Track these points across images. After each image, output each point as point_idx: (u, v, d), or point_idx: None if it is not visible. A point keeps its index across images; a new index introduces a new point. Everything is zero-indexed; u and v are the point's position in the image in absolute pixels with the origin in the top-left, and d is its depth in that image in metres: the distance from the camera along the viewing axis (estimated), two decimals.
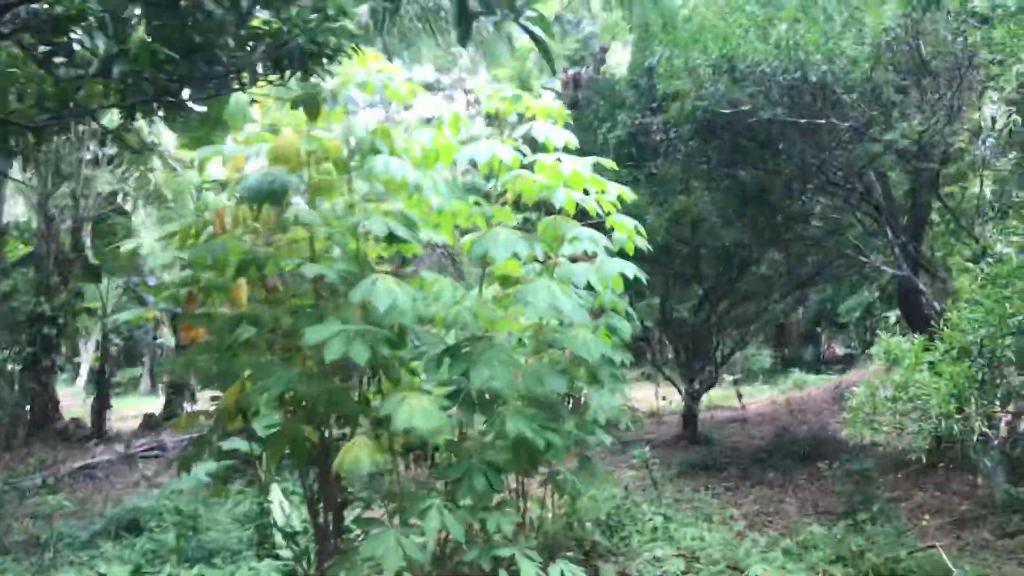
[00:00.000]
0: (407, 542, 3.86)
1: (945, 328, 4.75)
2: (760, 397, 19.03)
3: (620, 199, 5.15)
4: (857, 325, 22.72)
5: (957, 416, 3.95)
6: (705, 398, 14.88)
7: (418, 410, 3.83)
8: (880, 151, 7.88)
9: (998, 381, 4.09)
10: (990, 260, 5.09)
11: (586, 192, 4.97)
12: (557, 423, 4.54)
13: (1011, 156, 8.21)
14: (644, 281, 5.17)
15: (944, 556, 6.08)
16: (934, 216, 10.85)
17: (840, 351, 27.59)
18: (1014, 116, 6.85)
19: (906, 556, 6.43)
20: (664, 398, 15.62)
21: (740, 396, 16.02)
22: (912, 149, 7.60)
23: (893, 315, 16.63)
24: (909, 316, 10.80)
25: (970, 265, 10.63)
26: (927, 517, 8.10)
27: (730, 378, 17.93)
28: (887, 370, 5.93)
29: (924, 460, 4.78)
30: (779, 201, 10.19)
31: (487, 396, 4.22)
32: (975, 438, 3.97)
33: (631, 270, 5.12)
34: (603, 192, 5.10)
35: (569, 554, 5.65)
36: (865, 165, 8.46)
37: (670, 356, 15.00)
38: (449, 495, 4.18)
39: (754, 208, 10.43)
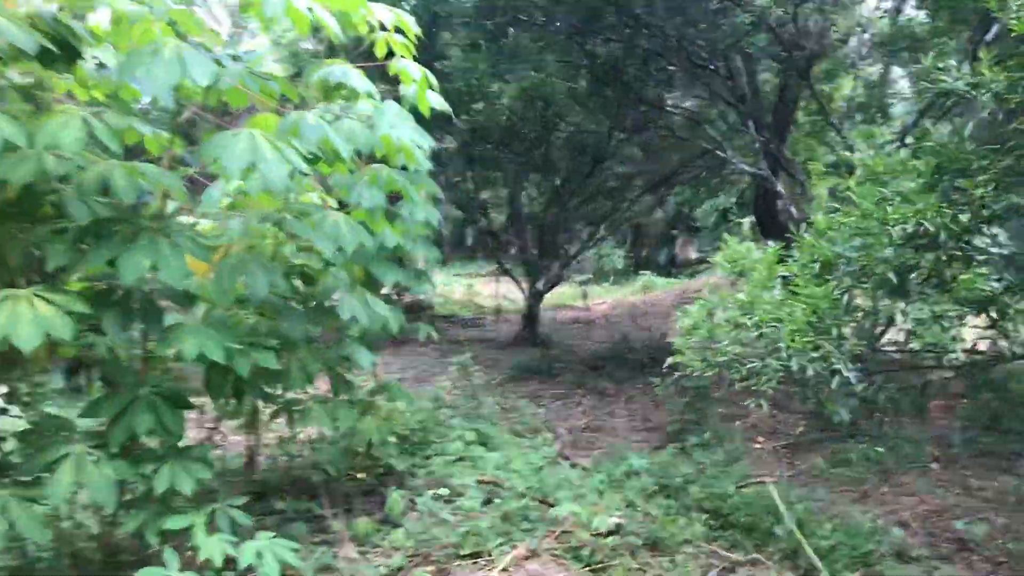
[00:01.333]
0: (20, 510, 2.51)
1: (806, 236, 3.73)
2: (608, 299, 18.49)
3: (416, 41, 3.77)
4: (713, 230, 22.50)
5: (814, 355, 2.98)
6: (552, 296, 14.05)
7: (25, 317, 2.42)
8: (749, 25, 6.77)
9: (870, 306, 3.16)
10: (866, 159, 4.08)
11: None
12: (290, 337, 3.22)
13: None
14: (431, 153, 3.86)
15: (775, 494, 5.34)
16: (799, 115, 10.05)
17: (694, 256, 27.63)
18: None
19: (734, 492, 5.68)
20: (506, 297, 14.67)
21: (585, 297, 15.29)
22: (785, 26, 6.52)
23: (748, 221, 16.22)
24: (764, 223, 10.09)
25: (831, 171, 9.97)
26: (761, 440, 7.49)
27: (579, 277, 17.18)
28: (732, 283, 4.96)
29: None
30: (635, 82, 9.02)
31: (152, 298, 2.84)
32: (834, 384, 3.01)
33: (418, 136, 3.80)
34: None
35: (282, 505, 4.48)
36: (733, 43, 7.36)
37: (514, 251, 13.94)
38: (103, 440, 2.83)
39: (609, 88, 9.23)
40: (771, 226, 10.12)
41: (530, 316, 12.72)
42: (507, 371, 10.37)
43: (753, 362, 3.37)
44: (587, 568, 4.82)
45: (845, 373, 2.92)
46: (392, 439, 6.05)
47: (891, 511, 5.73)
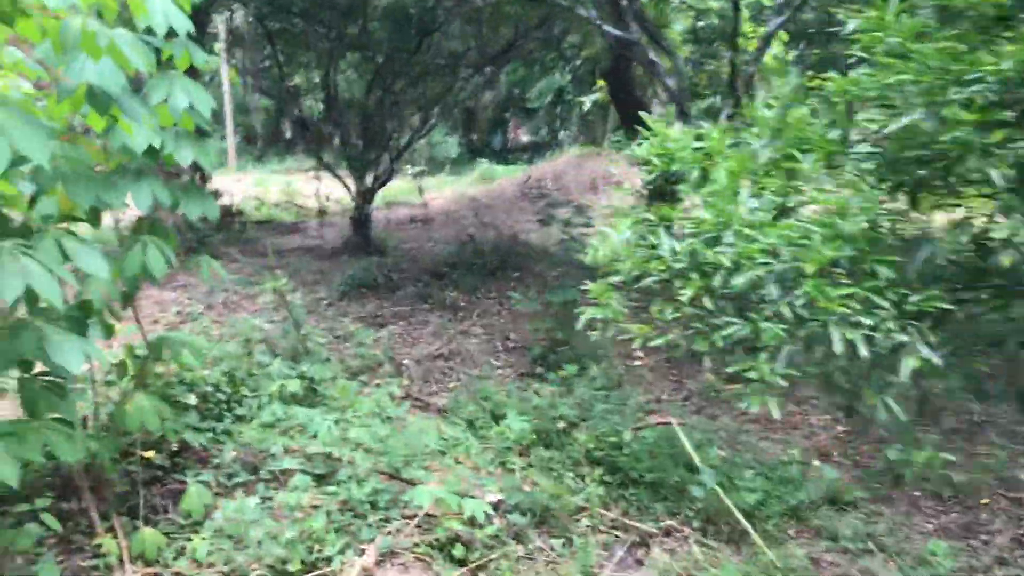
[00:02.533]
0: None
1: (763, 111, 2.48)
2: (446, 191, 17.04)
3: None
4: (548, 111, 21.31)
5: (865, 320, 1.80)
6: (383, 193, 12.44)
7: None
8: None
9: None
10: None
11: None
12: None
13: None
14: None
15: (685, 441, 4.31)
16: None
17: (526, 138, 26.44)
18: None
19: (631, 437, 4.63)
20: (328, 197, 12.89)
21: (422, 191, 13.75)
22: None
23: (589, 100, 15.09)
24: (618, 99, 8.91)
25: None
26: (641, 355, 6.51)
27: (412, 169, 15.48)
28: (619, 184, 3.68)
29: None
30: None
31: None
32: (906, 365, 1.84)
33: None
34: None
35: None
36: None
37: (336, 144, 12.09)
38: None
39: None
40: (626, 102, 8.96)
41: (360, 219, 11.11)
42: (338, 287, 8.83)
43: (738, 327, 2.14)
44: (463, 568, 3.63)
45: (920, 348, 1.74)
46: (183, 412, 4.50)
47: (808, 439, 4.93)
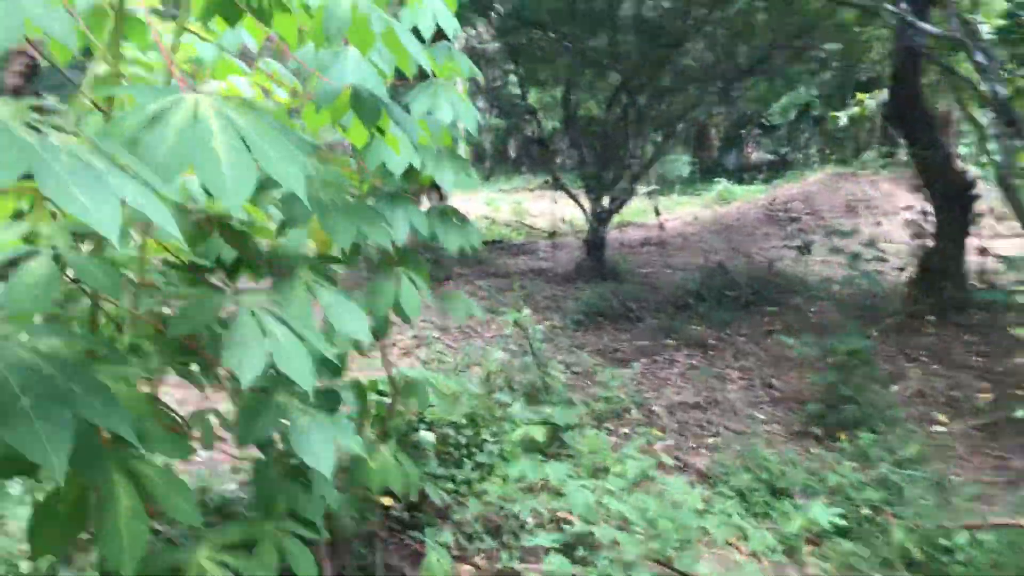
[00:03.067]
0: None
1: None
2: (680, 212, 16.12)
3: None
4: (791, 128, 19.76)
5: None
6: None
7: None
8: None
9: None
10: None
11: None
12: None
13: None
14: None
15: None
16: None
17: (762, 157, 24.80)
18: None
19: (966, 539, 3.57)
20: (564, 220, 12.45)
21: (658, 212, 12.97)
22: None
23: (845, 115, 13.57)
24: (903, 115, 7.66)
25: None
26: (943, 419, 5.33)
27: (645, 189, 14.76)
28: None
29: None
30: None
31: None
32: None
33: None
34: None
35: None
36: None
37: (571, 163, 11.60)
38: None
39: None
40: (911, 116, 7.67)
41: (594, 241, 10.54)
42: (572, 315, 8.28)
43: None
44: None
45: None
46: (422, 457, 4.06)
47: None
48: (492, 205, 16.84)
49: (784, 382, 6.21)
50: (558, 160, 12.09)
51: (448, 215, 3.09)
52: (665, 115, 10.87)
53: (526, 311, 5.89)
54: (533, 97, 13.06)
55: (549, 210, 13.62)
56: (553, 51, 10.24)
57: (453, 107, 2.82)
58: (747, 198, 15.98)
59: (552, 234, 12.38)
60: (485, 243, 12.92)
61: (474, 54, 13.71)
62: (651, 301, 8.79)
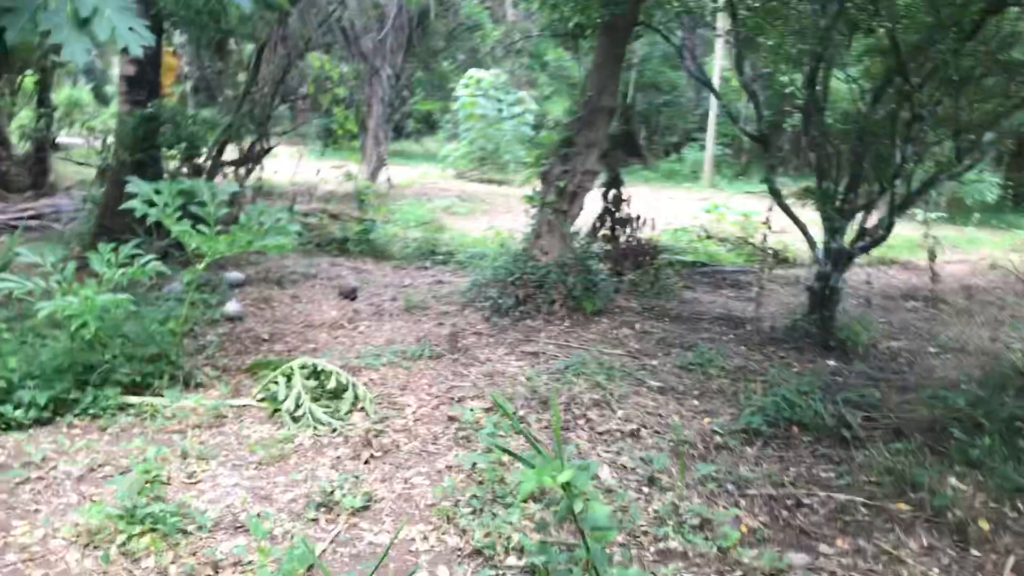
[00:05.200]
0: None
1: None
2: (973, 254, 11.85)
3: None
4: None
5: None
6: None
7: None
8: None
9: None
10: None
11: None
12: None
13: None
14: None
15: None
16: None
17: None
18: None
19: None
20: (774, 254, 9.03)
21: (933, 256, 9.08)
22: None
23: None
24: None
25: None
26: None
27: (923, 214, 10.58)
28: None
29: None
30: None
31: None
32: None
33: None
34: None
35: None
36: None
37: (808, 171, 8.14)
38: None
39: None
40: None
41: (822, 291, 7.18)
42: (752, 414, 5.21)
43: None
44: None
45: None
46: None
47: None
48: (714, 211, 13.58)
49: None
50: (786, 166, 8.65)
51: None
52: (963, 116, 7.15)
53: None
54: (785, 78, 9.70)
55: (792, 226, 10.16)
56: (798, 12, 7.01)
57: None
58: None
59: (766, 266, 9.03)
60: (681, 265, 9.87)
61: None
62: (894, 411, 5.41)
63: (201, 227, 5.37)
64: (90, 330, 4.34)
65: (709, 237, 11.93)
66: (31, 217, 10.18)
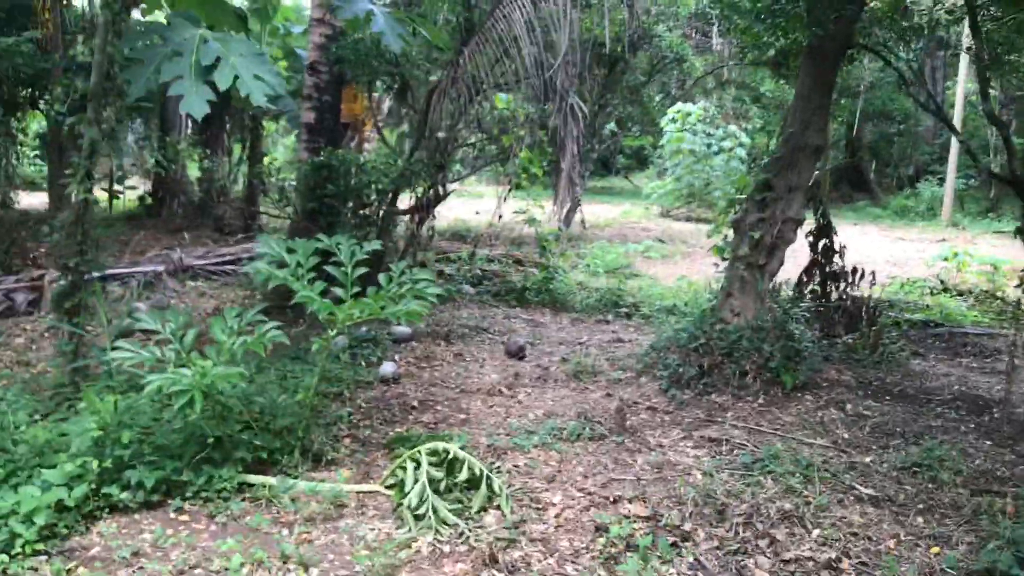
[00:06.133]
0: None
1: None
2: None
3: None
4: None
5: None
6: None
7: None
8: None
9: None
10: None
11: None
12: None
13: None
14: None
15: None
16: None
17: None
18: None
19: None
20: None
21: None
22: None
23: None
24: None
25: None
26: None
27: None
28: None
29: None
30: None
31: None
32: None
33: None
34: None
35: None
36: None
37: None
38: None
39: None
40: None
41: None
42: (1007, 553, 3.89)
43: None
44: None
45: None
46: None
47: None
48: (953, 259, 11.56)
49: None
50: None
51: None
52: None
53: None
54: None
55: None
56: None
57: None
58: None
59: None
60: (912, 324, 8.31)
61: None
62: None
63: (336, 289, 4.94)
64: (195, 409, 3.96)
65: (946, 290, 10.10)
66: (228, 262, 10.53)
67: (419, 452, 4.49)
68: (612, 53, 16.28)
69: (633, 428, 5.60)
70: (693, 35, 19.36)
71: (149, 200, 16.67)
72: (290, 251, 4.86)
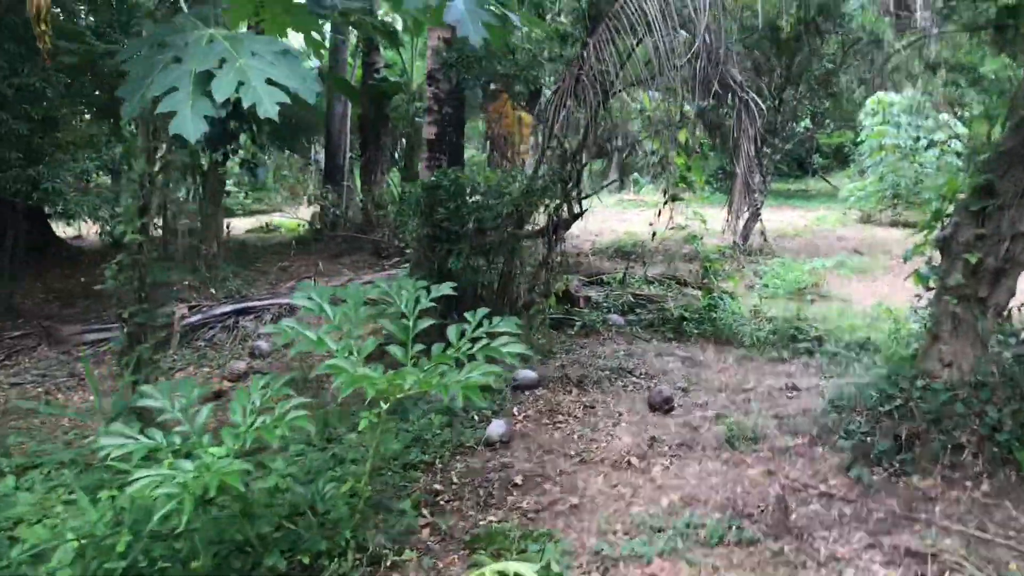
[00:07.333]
0: None
1: None
2: None
3: None
4: None
5: None
6: None
7: None
8: None
9: None
10: None
11: None
12: None
13: None
14: None
15: None
16: None
17: None
18: None
19: None
20: None
21: None
22: None
23: None
24: None
25: None
26: None
27: None
28: None
29: None
30: None
31: None
32: None
33: None
34: None
35: None
36: None
37: None
38: None
39: None
40: None
41: None
42: None
43: None
44: None
45: None
46: None
47: None
48: None
49: None
50: None
51: None
52: None
53: None
54: None
55: None
56: None
57: None
58: None
59: None
60: None
61: None
62: None
63: (394, 348, 3.89)
64: (182, 520, 3.03)
65: None
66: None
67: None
68: (791, 37, 14.35)
69: (798, 530, 4.12)
70: (892, 11, 16.80)
71: (318, 224, 16.92)
72: (336, 302, 3.88)
